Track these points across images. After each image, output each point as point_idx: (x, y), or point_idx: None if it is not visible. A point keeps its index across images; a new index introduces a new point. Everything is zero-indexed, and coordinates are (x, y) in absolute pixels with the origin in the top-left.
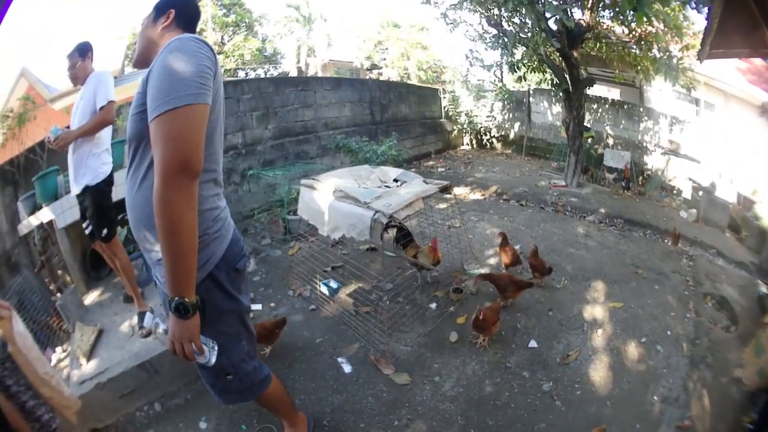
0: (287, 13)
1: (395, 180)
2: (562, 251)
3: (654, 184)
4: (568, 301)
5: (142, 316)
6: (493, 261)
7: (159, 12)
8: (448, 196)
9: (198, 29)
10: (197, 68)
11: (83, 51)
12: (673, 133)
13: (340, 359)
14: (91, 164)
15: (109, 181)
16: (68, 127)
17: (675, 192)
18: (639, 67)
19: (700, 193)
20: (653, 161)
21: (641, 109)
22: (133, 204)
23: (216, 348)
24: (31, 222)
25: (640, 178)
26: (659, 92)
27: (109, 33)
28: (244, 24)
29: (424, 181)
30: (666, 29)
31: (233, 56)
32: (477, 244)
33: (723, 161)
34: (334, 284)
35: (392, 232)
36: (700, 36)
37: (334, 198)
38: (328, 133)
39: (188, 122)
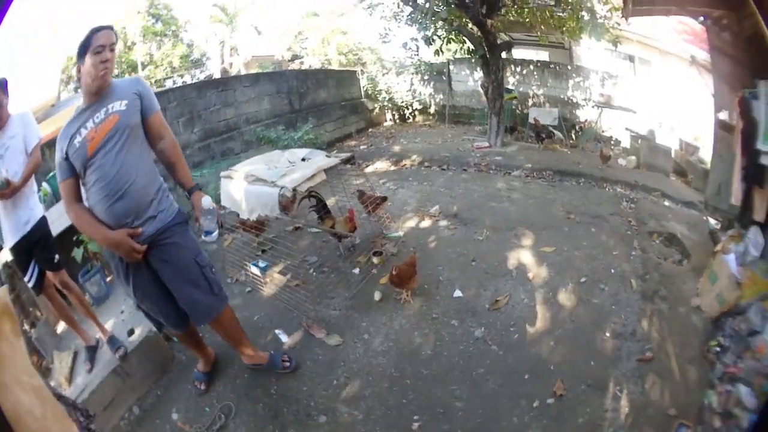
0: (212, 12)
1: (303, 159)
2: (483, 206)
3: (587, 136)
4: (492, 251)
5: (112, 341)
6: (411, 223)
7: None
8: (368, 170)
9: (129, 42)
10: None
11: (6, 86)
12: (606, 87)
13: (277, 331)
14: (35, 199)
15: None
16: None
17: (612, 142)
18: (564, 28)
19: (639, 141)
20: (585, 115)
21: (569, 68)
22: (140, 170)
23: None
24: None
25: (572, 132)
26: (588, 51)
27: (42, 56)
28: (170, 32)
29: (326, 156)
30: None
31: (162, 65)
32: (396, 209)
33: (662, 111)
34: (262, 264)
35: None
36: None
37: (247, 183)
38: (249, 127)
39: None
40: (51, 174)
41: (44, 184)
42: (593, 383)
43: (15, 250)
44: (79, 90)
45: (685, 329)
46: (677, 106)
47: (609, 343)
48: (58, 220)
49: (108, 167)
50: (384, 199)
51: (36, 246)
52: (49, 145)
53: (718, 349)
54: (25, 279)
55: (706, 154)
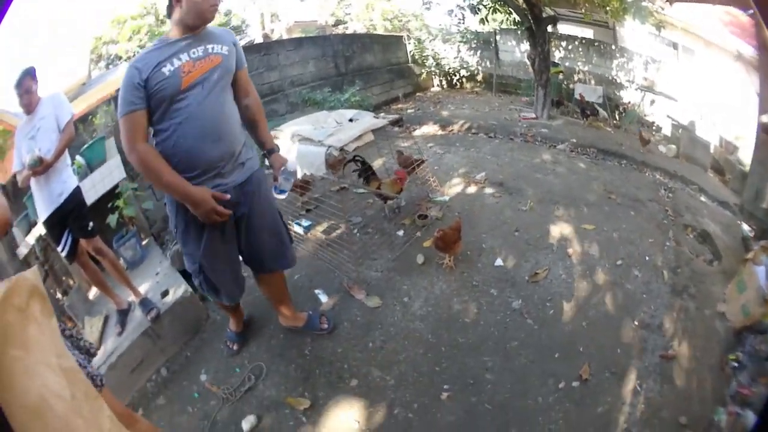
0: None
1: (350, 119)
2: (528, 176)
3: (630, 118)
4: (536, 223)
5: (144, 303)
6: (457, 189)
7: None
8: (416, 134)
9: (162, 16)
10: None
11: (34, 74)
12: (649, 71)
13: (317, 291)
14: (69, 171)
15: None
16: None
17: (654, 128)
18: (608, 8)
19: (680, 131)
20: (628, 96)
21: (613, 48)
22: (229, 120)
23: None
24: (28, 242)
25: (616, 112)
26: (632, 32)
27: (71, 33)
28: None
29: (374, 117)
30: None
31: None
32: (442, 174)
33: (704, 103)
34: (305, 223)
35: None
36: None
37: (293, 142)
38: (294, 90)
39: None
40: (85, 146)
41: (78, 157)
42: (617, 372)
43: (48, 222)
44: (111, 66)
45: (709, 333)
46: (720, 101)
47: (636, 332)
48: (93, 189)
49: (207, 105)
50: (421, 161)
51: (70, 215)
52: (82, 120)
53: (735, 364)
54: (59, 249)
55: (745, 155)
